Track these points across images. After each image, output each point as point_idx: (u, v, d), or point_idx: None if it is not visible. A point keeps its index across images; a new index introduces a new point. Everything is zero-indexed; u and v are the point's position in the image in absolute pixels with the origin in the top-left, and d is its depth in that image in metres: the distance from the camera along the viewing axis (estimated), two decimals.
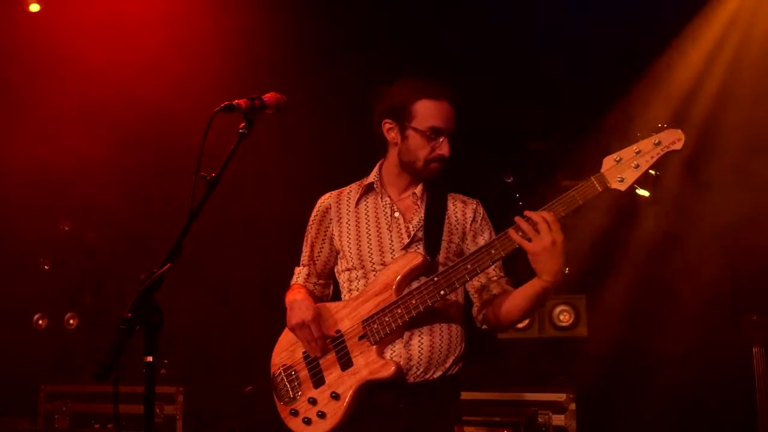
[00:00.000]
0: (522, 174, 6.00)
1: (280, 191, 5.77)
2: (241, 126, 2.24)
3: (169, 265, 1.96)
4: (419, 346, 2.48)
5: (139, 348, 1.91)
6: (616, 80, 5.17)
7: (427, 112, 2.54)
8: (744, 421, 4.34)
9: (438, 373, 2.52)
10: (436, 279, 2.40)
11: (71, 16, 5.56)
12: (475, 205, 2.70)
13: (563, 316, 5.45)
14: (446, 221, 2.61)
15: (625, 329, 5.39)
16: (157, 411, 5.00)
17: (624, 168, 2.28)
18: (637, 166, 2.27)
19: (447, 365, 2.54)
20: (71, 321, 6.37)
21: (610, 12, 5.00)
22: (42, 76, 5.78)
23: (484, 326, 2.63)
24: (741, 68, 5.02)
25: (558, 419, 4.44)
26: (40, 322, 6.35)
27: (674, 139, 2.26)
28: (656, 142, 2.26)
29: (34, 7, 5.65)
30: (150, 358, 1.91)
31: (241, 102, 2.24)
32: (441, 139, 2.54)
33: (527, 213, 2.31)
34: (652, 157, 2.26)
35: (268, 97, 2.32)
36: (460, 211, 2.66)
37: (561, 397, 4.46)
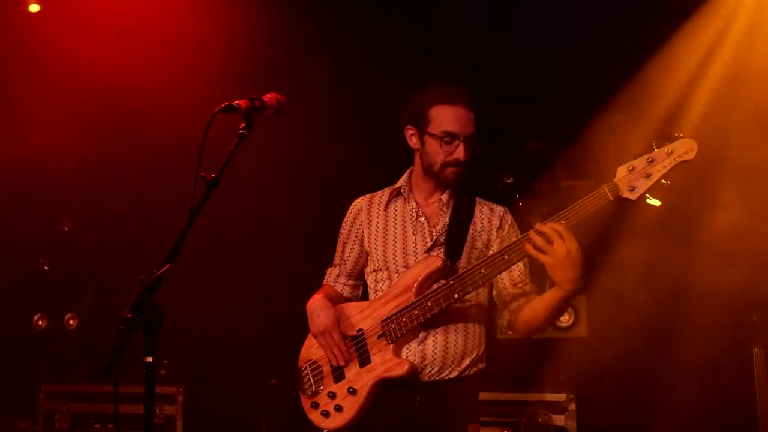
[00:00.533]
0: (522, 174, 6.01)
1: (281, 192, 5.78)
2: (241, 126, 2.24)
3: (168, 265, 1.97)
4: (433, 346, 2.54)
5: (139, 348, 1.92)
6: (615, 80, 5.18)
7: (441, 117, 2.60)
8: (744, 421, 4.34)
9: (454, 374, 2.58)
10: (451, 282, 2.46)
11: (70, 17, 5.57)
12: (502, 213, 2.75)
13: (563, 316, 5.45)
14: (471, 227, 2.66)
15: (625, 329, 5.39)
16: (157, 411, 5.01)
17: (636, 177, 2.28)
18: (649, 176, 2.27)
19: (463, 366, 2.59)
20: (71, 321, 6.37)
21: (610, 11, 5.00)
22: (41, 77, 5.78)
23: (510, 332, 2.68)
24: (743, 64, 5.02)
25: (558, 419, 4.44)
26: (40, 322, 6.35)
27: (687, 149, 2.26)
28: (669, 151, 2.27)
29: (34, 8, 5.65)
30: (150, 358, 1.91)
31: (241, 102, 2.25)
32: (456, 143, 2.58)
33: (539, 226, 2.33)
34: (664, 167, 2.27)
35: (268, 97, 2.33)
36: (486, 218, 2.71)
37: (561, 397, 4.47)
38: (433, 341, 2.55)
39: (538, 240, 2.31)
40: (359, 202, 2.83)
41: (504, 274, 2.61)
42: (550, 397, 4.49)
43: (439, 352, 2.54)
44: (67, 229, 6.99)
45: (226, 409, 5.42)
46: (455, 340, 2.57)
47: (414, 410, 2.55)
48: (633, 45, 5.08)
